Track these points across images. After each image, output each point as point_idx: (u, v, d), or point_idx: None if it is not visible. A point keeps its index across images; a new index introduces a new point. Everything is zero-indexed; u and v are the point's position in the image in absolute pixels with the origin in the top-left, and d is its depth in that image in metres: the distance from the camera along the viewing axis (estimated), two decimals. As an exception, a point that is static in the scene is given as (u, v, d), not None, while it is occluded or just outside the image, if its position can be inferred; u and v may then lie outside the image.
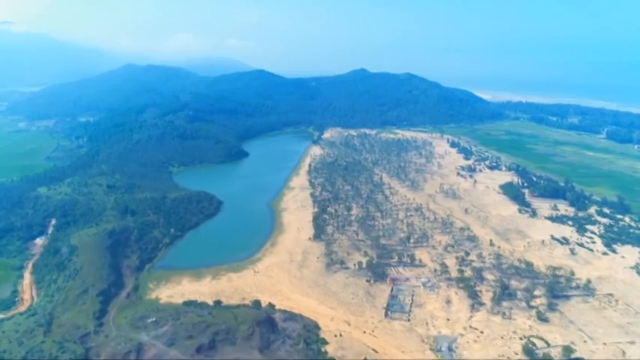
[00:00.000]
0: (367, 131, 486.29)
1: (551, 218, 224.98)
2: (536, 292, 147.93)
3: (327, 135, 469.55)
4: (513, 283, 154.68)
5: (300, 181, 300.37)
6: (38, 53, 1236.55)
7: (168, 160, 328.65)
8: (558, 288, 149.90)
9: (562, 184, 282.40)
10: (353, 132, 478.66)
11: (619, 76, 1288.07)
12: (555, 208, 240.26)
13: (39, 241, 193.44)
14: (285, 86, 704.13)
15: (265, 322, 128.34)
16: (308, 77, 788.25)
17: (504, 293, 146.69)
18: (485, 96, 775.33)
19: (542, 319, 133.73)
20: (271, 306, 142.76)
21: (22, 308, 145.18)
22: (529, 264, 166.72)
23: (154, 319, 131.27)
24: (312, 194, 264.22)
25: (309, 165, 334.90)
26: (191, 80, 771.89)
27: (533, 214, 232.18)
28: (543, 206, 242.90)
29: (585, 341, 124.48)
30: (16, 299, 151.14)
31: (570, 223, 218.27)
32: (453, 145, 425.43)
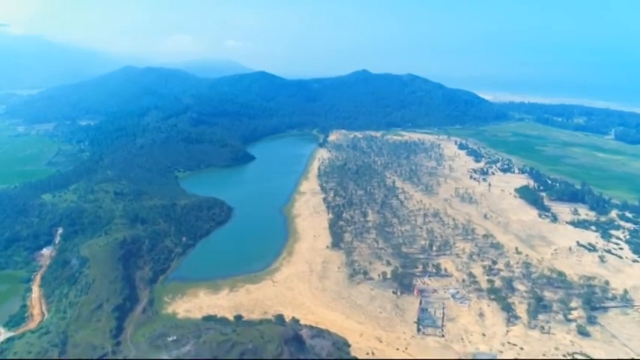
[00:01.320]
0: (372, 133, 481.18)
1: (573, 223, 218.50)
2: (572, 304, 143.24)
3: (332, 137, 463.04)
4: (547, 294, 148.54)
5: (310, 185, 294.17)
6: (35, 56, 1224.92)
7: (173, 165, 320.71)
8: (595, 299, 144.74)
9: (578, 187, 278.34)
10: (358, 134, 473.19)
11: (614, 77, 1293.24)
12: (576, 212, 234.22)
13: (46, 251, 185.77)
14: (287, 88, 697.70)
15: (293, 340, 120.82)
16: (309, 79, 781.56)
17: (539, 305, 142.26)
18: (486, 97, 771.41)
19: (583, 333, 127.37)
20: (295, 321, 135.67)
21: (32, 325, 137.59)
22: (561, 273, 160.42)
23: (174, 337, 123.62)
24: (324, 199, 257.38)
25: (319, 169, 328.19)
26: (191, 82, 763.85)
27: (554, 219, 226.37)
28: (563, 210, 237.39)
29: (632, 358, 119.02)
30: (26, 315, 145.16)
31: (593, 228, 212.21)
32: (461, 147, 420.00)
